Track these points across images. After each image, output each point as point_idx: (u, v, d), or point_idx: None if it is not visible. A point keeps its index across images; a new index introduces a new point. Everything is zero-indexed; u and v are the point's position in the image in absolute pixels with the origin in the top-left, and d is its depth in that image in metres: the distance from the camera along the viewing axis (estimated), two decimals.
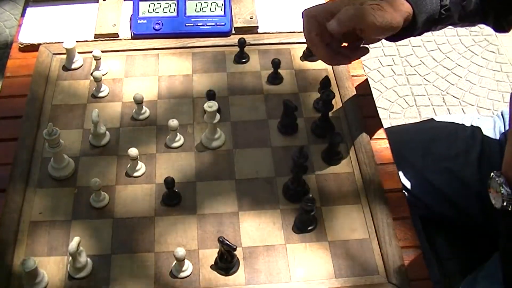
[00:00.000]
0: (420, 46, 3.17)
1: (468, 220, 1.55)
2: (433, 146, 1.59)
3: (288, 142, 1.37)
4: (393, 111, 2.90)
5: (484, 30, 3.30)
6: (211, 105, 1.29)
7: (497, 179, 1.07)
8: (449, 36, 3.24)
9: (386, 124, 2.60)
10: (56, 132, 1.24)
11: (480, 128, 1.57)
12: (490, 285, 1.30)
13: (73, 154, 1.33)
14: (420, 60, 3.12)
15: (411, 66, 3.09)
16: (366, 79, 1.53)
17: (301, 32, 1.56)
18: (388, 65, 3.06)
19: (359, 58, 1.33)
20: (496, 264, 1.30)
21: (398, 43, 3.14)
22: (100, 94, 1.45)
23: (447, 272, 1.53)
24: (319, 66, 1.53)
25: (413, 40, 3.17)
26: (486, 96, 3.02)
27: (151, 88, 1.47)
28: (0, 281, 1.13)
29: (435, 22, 1.25)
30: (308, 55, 1.54)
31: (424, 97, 2.99)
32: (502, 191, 1.06)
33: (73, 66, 1.51)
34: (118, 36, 1.58)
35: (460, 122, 1.61)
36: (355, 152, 1.35)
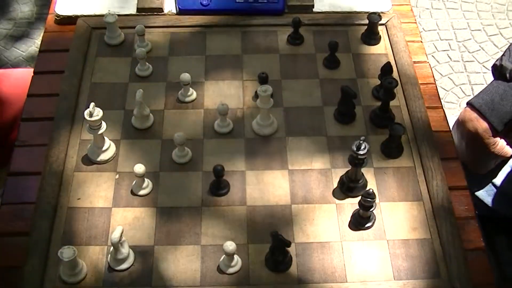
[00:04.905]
0: (479, 30, 3.14)
1: None
2: None
3: (345, 131, 1.38)
4: (448, 100, 2.87)
5: None
6: (265, 89, 1.30)
7: None
8: (511, 20, 3.21)
9: None
10: (99, 112, 1.26)
11: None
12: None
13: (113, 137, 1.35)
14: (479, 46, 3.08)
15: (469, 52, 3.05)
16: (429, 66, 1.53)
17: (360, 12, 1.58)
18: (444, 50, 3.03)
19: None
20: None
21: (456, 25, 3.15)
22: (143, 73, 1.47)
23: (507, 275, 1.54)
24: (379, 50, 1.54)
25: (472, 23, 3.14)
26: None
27: (198, 68, 1.49)
28: (35, 270, 1.16)
29: None
30: (368, 37, 1.55)
31: (483, 87, 2.96)
32: None
33: (114, 42, 1.53)
34: (163, 11, 1.60)
35: None
36: (417, 145, 1.36)
